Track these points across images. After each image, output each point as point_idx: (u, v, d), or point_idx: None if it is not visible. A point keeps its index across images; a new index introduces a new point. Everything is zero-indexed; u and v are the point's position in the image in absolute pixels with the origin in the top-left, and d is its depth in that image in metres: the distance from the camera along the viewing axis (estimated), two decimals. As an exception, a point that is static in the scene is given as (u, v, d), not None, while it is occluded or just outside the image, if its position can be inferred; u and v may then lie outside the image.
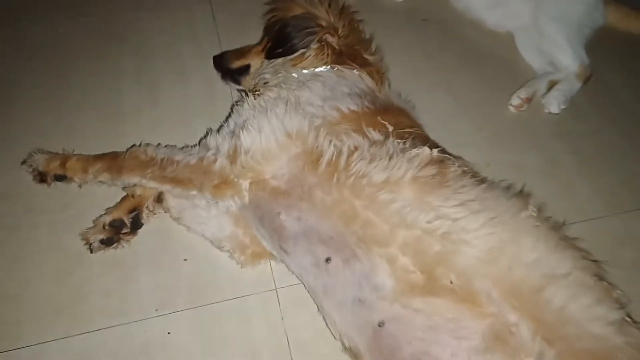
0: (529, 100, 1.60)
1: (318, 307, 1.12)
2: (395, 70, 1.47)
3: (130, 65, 1.72)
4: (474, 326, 0.93)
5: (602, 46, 1.75)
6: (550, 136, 1.55)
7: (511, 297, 0.91)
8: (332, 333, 1.09)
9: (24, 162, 1.38)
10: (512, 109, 1.61)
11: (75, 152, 1.35)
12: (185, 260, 1.28)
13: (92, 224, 1.29)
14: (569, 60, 1.64)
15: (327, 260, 1.07)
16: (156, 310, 1.20)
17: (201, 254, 1.29)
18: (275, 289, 1.24)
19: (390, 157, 1.07)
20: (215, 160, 1.20)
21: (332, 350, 1.11)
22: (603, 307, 0.90)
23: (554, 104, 1.58)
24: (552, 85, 1.62)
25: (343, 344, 1.09)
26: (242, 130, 1.20)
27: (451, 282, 0.95)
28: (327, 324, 1.10)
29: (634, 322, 0.91)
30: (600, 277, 0.95)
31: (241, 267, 1.26)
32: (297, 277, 1.17)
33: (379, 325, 1.00)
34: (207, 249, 1.29)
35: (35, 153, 1.37)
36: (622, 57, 1.79)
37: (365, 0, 1.93)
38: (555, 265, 0.94)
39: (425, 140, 1.17)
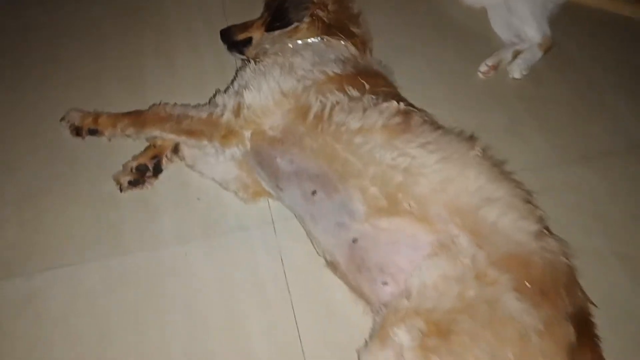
0: (495, 67, 1.82)
1: (306, 232, 1.37)
2: (379, 41, 1.69)
3: (151, 39, 1.96)
4: (426, 239, 1.16)
5: (564, 19, 1.94)
6: (513, 98, 1.77)
7: (456, 216, 1.15)
8: (317, 252, 1.35)
9: (62, 119, 1.62)
10: (480, 75, 1.84)
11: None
12: (198, 199, 1.54)
13: (121, 169, 1.56)
14: (533, 32, 1.85)
15: (314, 193, 1.31)
16: (176, 240, 1.47)
17: (211, 194, 1.54)
18: (273, 222, 1.50)
19: (365, 110, 1.30)
20: (222, 115, 1.44)
21: (317, 267, 1.36)
22: (525, 221, 1.13)
23: (516, 70, 1.81)
24: (516, 54, 1.84)
25: (325, 259, 1.34)
26: (245, 89, 1.44)
27: (410, 206, 1.19)
28: (313, 245, 1.36)
29: (550, 233, 1.16)
30: (527, 201, 1.19)
31: (245, 204, 1.52)
32: (289, 209, 1.42)
33: (353, 242, 1.24)
34: (216, 190, 1.54)
35: (72, 111, 1.61)
36: (581, 29, 1.99)
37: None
38: (492, 191, 1.17)
39: (396, 98, 1.40)
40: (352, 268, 1.27)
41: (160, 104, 1.53)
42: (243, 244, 1.47)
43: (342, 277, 1.32)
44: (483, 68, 1.82)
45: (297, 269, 1.42)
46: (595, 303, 1.14)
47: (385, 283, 1.21)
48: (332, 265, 1.33)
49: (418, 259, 1.17)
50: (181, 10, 2.06)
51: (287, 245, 1.45)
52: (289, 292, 1.38)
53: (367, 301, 1.27)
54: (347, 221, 1.26)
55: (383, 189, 1.22)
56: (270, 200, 1.53)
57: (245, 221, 1.50)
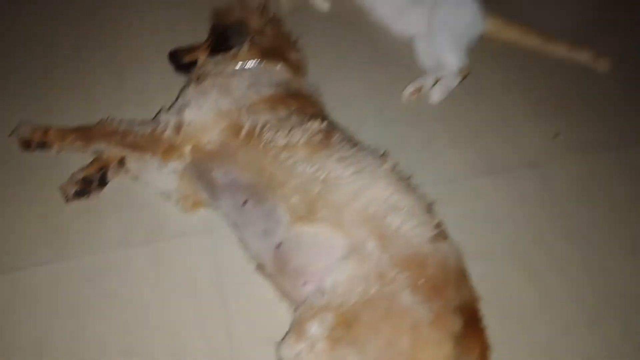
0: (418, 91, 2.02)
1: (238, 239, 1.52)
2: (315, 65, 1.86)
3: (103, 58, 2.06)
4: (340, 243, 1.32)
5: (480, 51, 2.18)
6: (431, 118, 1.98)
7: (365, 222, 1.31)
8: (248, 256, 1.50)
9: (12, 132, 1.68)
10: (404, 97, 2.03)
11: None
12: (142, 209, 1.66)
13: (68, 179, 1.65)
14: (452, 61, 2.05)
15: (245, 202, 1.45)
16: (119, 244, 1.59)
17: (154, 203, 1.66)
18: (210, 230, 1.63)
19: (291, 128, 1.46)
20: (164, 131, 1.57)
21: (249, 271, 1.50)
22: (423, 228, 1.31)
23: (436, 94, 2.01)
24: (437, 80, 2.04)
25: (255, 263, 1.49)
26: (186, 108, 1.58)
27: (326, 214, 1.36)
28: (244, 250, 1.51)
29: (445, 239, 1.34)
30: (428, 210, 1.37)
31: (184, 213, 1.65)
32: (224, 218, 1.56)
33: (277, 246, 1.39)
34: (158, 201, 1.66)
35: (22, 124, 1.67)
36: (494, 60, 2.23)
37: (300, 7, 2.36)
38: (397, 201, 1.35)
39: (321, 117, 1.56)
40: (277, 270, 1.42)
41: (107, 119, 1.64)
42: (182, 249, 1.60)
43: (269, 279, 1.47)
44: (407, 91, 2.03)
45: (231, 273, 1.56)
46: (488, 297, 1.33)
47: (305, 283, 1.36)
48: (261, 268, 1.48)
49: (333, 261, 1.33)
50: (133, 32, 2.19)
51: (223, 251, 1.59)
52: (223, 293, 1.52)
53: (291, 300, 1.42)
54: (273, 227, 1.41)
55: (304, 198, 1.38)
56: (208, 209, 1.66)
57: (185, 228, 1.63)
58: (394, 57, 2.22)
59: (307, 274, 1.36)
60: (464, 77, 2.08)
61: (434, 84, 2.05)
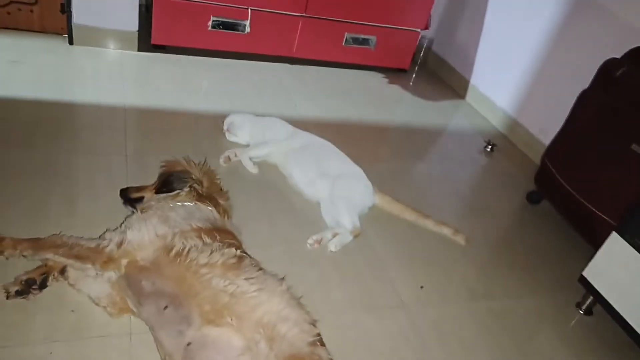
0: (318, 241, 2.50)
1: (154, 339, 1.79)
2: (239, 212, 2.36)
3: (59, 186, 2.41)
4: (239, 344, 1.63)
5: (372, 217, 2.80)
6: (327, 263, 2.44)
7: (260, 328, 1.66)
8: (160, 356, 1.76)
9: None
10: (308, 246, 2.49)
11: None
12: (72, 311, 1.91)
13: (12, 280, 1.91)
14: (347, 223, 2.59)
15: (165, 307, 1.76)
16: (44, 340, 1.79)
17: (82, 308, 1.92)
18: (130, 333, 1.89)
19: (212, 252, 1.87)
20: (107, 246, 1.90)
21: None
22: (305, 334, 1.68)
23: (332, 246, 2.48)
24: (335, 235, 2.56)
25: (166, 361, 1.76)
26: (128, 229, 1.96)
27: (231, 320, 1.70)
28: (158, 350, 1.77)
29: (322, 344, 1.71)
30: (310, 323, 1.76)
31: (111, 317, 1.90)
32: (145, 322, 1.84)
33: (187, 345, 1.69)
34: (88, 305, 1.92)
35: None
36: (382, 225, 2.80)
37: (232, 167, 2.95)
38: (287, 313, 1.73)
39: (237, 247, 2.00)
40: (184, 366, 1.70)
41: (58, 233, 1.98)
42: (102, 348, 1.81)
43: (177, 375, 1.73)
44: (310, 240, 2.50)
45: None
46: None
47: None
48: (170, 366, 1.74)
49: (231, 358, 1.65)
50: (91, 167, 2.63)
51: (138, 351, 1.83)
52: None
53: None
54: (185, 329, 1.71)
55: (214, 306, 1.71)
56: (132, 316, 1.94)
57: (107, 330, 1.87)
58: (304, 214, 2.74)
59: (209, 369, 1.66)
60: (356, 236, 2.61)
61: (332, 237, 2.56)
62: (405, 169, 3.50)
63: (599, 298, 2.43)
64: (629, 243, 2.24)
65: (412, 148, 3.83)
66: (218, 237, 1.97)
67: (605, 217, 2.66)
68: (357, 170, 2.88)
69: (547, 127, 3.78)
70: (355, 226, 2.63)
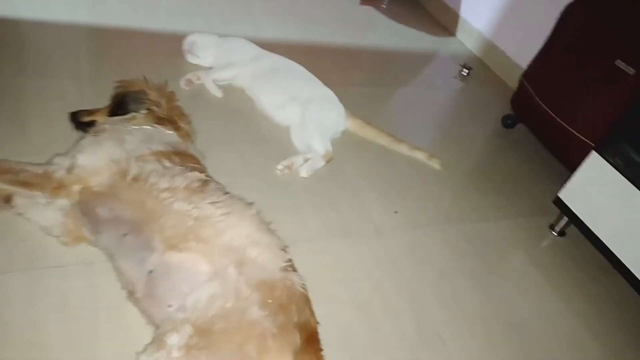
0: (289, 167, 2.39)
1: (114, 268, 1.68)
2: (204, 137, 2.21)
3: (8, 107, 2.23)
4: (205, 269, 1.54)
5: (344, 142, 2.69)
6: (299, 190, 2.34)
7: (228, 253, 1.56)
8: (121, 285, 1.66)
9: None
10: (278, 172, 2.37)
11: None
12: (24, 241, 1.77)
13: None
14: (319, 147, 2.47)
15: (125, 235, 1.64)
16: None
17: (34, 238, 1.77)
18: (88, 263, 1.77)
19: (174, 176, 1.74)
20: (56, 172, 1.74)
21: (119, 298, 1.65)
22: (276, 259, 1.59)
23: (304, 171, 2.38)
24: (306, 160, 2.44)
25: (127, 291, 1.65)
26: (79, 153, 1.79)
27: (195, 244, 1.60)
28: (118, 278, 1.67)
29: (294, 269, 1.64)
30: (281, 248, 1.66)
31: (65, 247, 1.77)
32: (103, 250, 1.71)
33: (150, 272, 1.58)
34: (39, 235, 1.78)
35: None
36: (354, 149, 2.71)
37: (195, 91, 2.74)
38: (257, 238, 1.63)
39: (201, 171, 1.87)
40: (146, 295, 1.57)
41: (2, 159, 1.80)
42: (60, 277, 1.70)
43: (138, 304, 1.61)
44: (280, 167, 2.38)
45: (104, 299, 1.69)
46: (328, 329, 1.59)
47: (170, 306, 1.53)
48: (131, 296, 1.62)
49: (197, 284, 1.55)
50: (42, 91, 2.41)
51: (97, 280, 1.72)
52: (95, 316, 1.64)
53: (156, 323, 1.58)
54: (147, 256, 1.59)
55: (177, 231, 1.59)
56: (87, 244, 1.81)
57: (64, 260, 1.75)
58: (273, 139, 2.61)
59: (173, 297, 1.54)
60: (328, 161, 2.49)
61: (303, 163, 2.45)
62: (378, 93, 3.36)
63: (574, 219, 2.42)
64: (609, 162, 2.20)
65: (385, 72, 3.67)
66: (179, 162, 1.83)
67: (583, 138, 2.60)
68: (329, 93, 2.74)
69: (525, 49, 3.64)
70: (327, 150, 2.52)
